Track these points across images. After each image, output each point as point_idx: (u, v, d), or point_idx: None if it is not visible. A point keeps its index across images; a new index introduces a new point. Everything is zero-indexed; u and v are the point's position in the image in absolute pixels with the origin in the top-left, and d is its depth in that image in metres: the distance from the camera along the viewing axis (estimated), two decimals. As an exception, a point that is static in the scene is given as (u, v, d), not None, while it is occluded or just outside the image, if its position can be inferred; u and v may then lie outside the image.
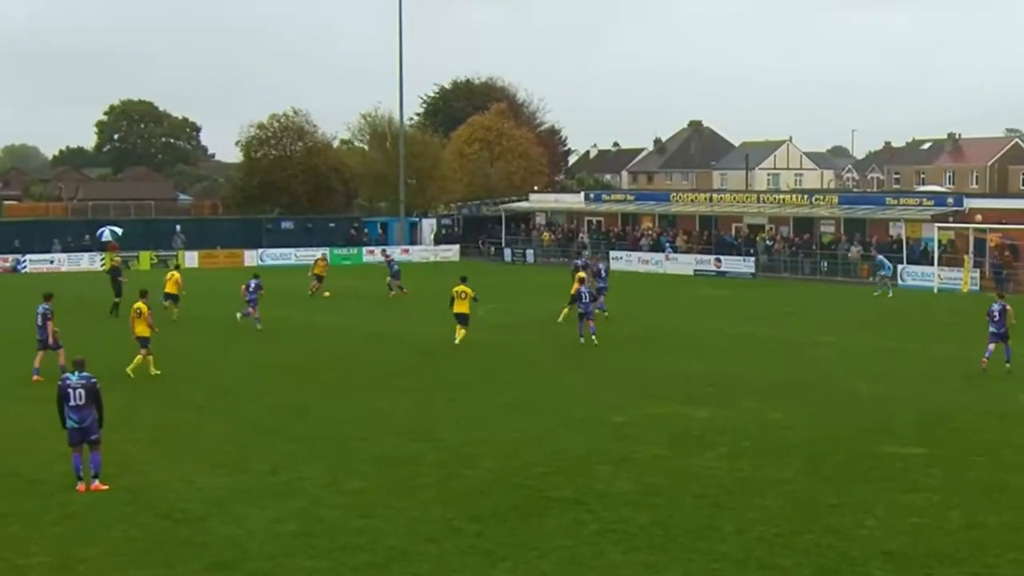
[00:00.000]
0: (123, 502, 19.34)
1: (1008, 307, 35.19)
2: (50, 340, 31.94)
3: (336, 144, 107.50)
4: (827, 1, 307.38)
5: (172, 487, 20.26)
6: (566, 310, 44.84)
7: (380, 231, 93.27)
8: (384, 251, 69.77)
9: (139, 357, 32.20)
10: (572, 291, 42.78)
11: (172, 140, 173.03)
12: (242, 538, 17.39)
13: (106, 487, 20.04)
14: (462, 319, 39.16)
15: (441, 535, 17.48)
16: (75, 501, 19.45)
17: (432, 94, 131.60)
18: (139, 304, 32.78)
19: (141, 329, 32.36)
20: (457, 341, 38.68)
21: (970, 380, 32.21)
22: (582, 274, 44.85)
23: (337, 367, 34.39)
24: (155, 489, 20.18)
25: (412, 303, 52.76)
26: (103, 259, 78.56)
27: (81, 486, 20.05)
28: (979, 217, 65.94)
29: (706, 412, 27.02)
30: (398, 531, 17.67)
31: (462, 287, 39.55)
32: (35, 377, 31.21)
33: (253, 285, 44.25)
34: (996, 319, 34.76)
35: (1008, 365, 34.02)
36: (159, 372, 32.32)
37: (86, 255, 79.26)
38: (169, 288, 46.23)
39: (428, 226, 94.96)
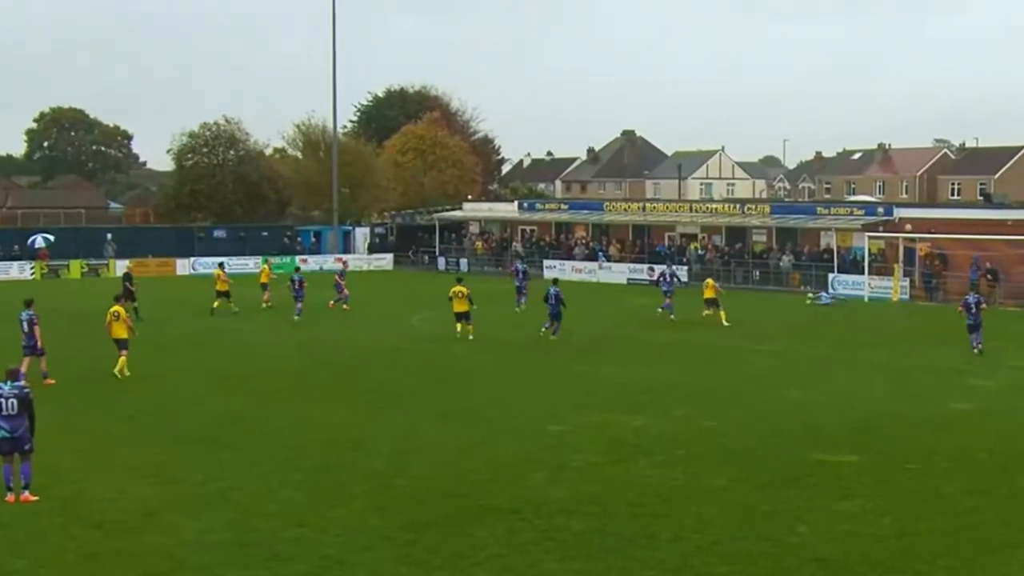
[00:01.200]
0: (54, 513, 19.14)
1: (983, 299, 40.90)
2: (39, 345, 32.52)
3: (269, 152, 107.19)
4: (759, 12, 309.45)
5: (104, 497, 20.07)
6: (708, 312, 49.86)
7: (313, 240, 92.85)
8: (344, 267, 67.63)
9: (122, 359, 33.50)
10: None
11: (103, 148, 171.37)
12: (175, 548, 17.26)
13: (36, 498, 19.82)
14: (464, 317, 42.67)
15: (375, 544, 17.42)
16: (5, 512, 19.22)
17: (366, 102, 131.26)
18: (117, 308, 34.08)
19: (120, 331, 33.58)
20: (470, 337, 41.93)
21: (901, 388, 32.53)
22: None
23: (270, 376, 34.23)
24: (86, 500, 19.98)
25: (347, 312, 52.47)
26: (33, 267, 77.83)
27: (11, 497, 19.81)
28: (909, 226, 66.52)
29: (641, 420, 27.09)
30: (332, 540, 17.60)
31: (458, 287, 43.21)
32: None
33: (297, 281, 49.32)
34: (972, 311, 39.31)
35: (978, 348, 38.83)
36: (128, 374, 33.30)
37: (16, 264, 78.34)
38: (220, 287, 51.28)
39: (362, 235, 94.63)
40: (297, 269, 53.48)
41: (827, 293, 60.63)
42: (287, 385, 32.62)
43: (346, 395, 30.94)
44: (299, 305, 49.53)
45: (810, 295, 60.40)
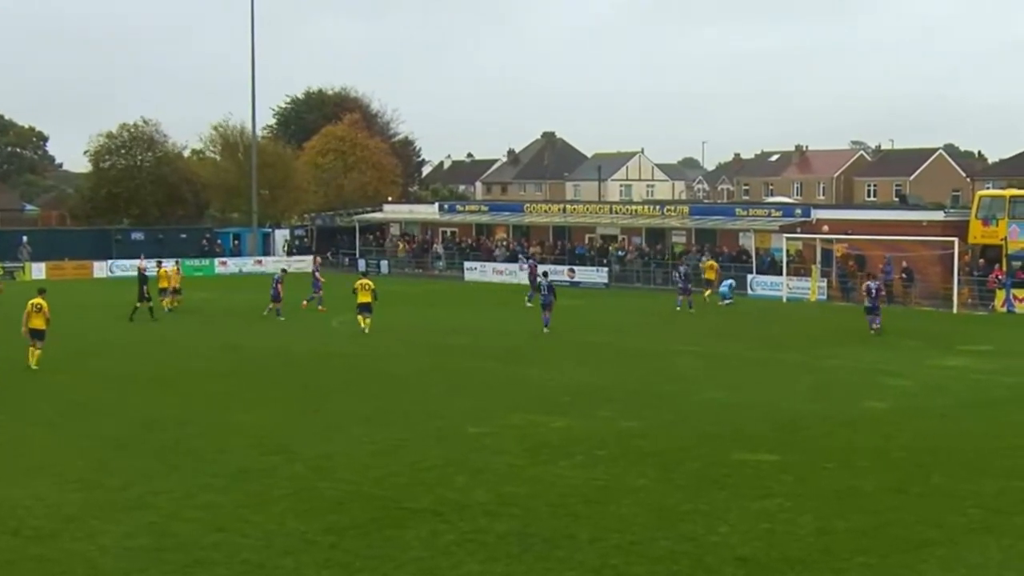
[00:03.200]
0: (-30, 520, 18.88)
1: (881, 286, 47.54)
2: None
3: (187, 154, 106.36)
4: (677, 14, 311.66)
5: (22, 504, 19.79)
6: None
7: (234, 242, 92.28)
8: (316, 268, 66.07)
9: (39, 352, 34.72)
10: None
11: (18, 149, 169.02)
12: (94, 554, 17.08)
13: (-47, 505, 19.57)
14: (366, 309, 45.28)
15: (297, 548, 17.34)
16: (-81, 519, 18.94)
17: (284, 104, 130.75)
18: (39, 300, 35.14)
19: (40, 323, 34.78)
20: (366, 331, 44.58)
21: (820, 387, 32.88)
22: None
23: (192, 380, 33.97)
24: (4, 506, 19.68)
25: (262, 314, 52.16)
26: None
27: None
28: (826, 227, 67.24)
29: (562, 422, 27.17)
30: (254, 545, 17.49)
31: (364, 280, 46.83)
32: None
33: (276, 279, 51.96)
34: (872, 295, 45.56)
35: (875, 328, 44.95)
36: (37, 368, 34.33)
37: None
38: (164, 284, 53.32)
39: (282, 237, 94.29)
40: (284, 271, 55.34)
41: (726, 291, 60.30)
42: (208, 389, 32.39)
43: (268, 398, 30.75)
44: (278, 306, 51.15)
45: (708, 296, 60.13)
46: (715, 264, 58.09)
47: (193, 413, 28.42)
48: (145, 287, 50.41)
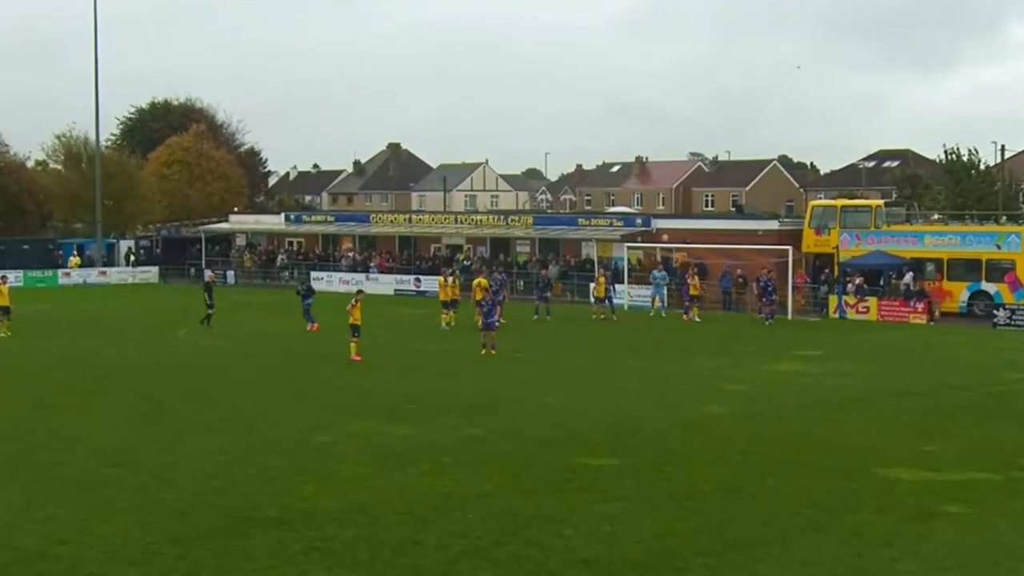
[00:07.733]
0: None
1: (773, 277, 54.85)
2: None
3: (30, 165, 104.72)
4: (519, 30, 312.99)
5: None
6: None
7: (76, 253, 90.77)
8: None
9: None
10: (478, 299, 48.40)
11: None
12: (-67, 569, 16.86)
13: None
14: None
15: (142, 559, 17.23)
16: None
17: (129, 115, 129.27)
18: None
19: None
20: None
21: (659, 393, 33.43)
22: None
23: (29, 390, 33.41)
24: None
25: (104, 324, 51.46)
26: None
27: None
28: (666, 237, 68.35)
29: (407, 429, 27.33)
30: (97, 557, 17.34)
31: (480, 279, 51.23)
32: None
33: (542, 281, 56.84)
34: (768, 288, 52.59)
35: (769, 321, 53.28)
36: None
37: None
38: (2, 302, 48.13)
39: (127, 248, 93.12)
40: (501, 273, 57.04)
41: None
42: (47, 398, 31.91)
43: (110, 408, 30.35)
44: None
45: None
46: (603, 280, 58.69)
47: (29, 423, 28.02)
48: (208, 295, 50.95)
